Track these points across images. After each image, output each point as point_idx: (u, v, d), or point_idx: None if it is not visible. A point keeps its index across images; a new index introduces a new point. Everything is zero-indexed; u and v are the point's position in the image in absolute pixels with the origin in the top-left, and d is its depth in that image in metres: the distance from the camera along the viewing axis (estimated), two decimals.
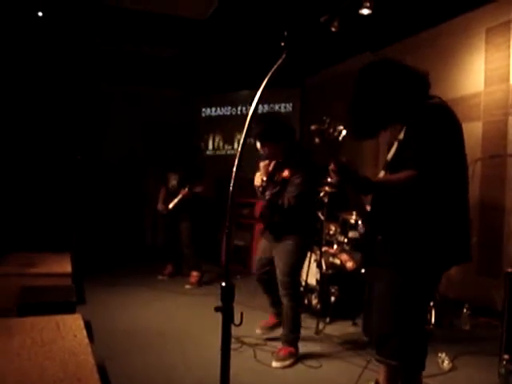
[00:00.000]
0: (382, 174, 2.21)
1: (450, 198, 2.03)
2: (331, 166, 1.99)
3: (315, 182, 3.69)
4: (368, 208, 2.24)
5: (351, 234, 4.69)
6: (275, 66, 1.40)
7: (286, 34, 1.41)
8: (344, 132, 2.00)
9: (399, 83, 2.10)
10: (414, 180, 1.93)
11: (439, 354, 3.43)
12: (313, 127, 1.98)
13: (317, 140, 1.99)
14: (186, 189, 5.76)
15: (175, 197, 5.85)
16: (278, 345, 3.66)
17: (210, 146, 8.63)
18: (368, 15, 4.68)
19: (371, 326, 2.28)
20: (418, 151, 1.95)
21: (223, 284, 1.35)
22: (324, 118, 2.00)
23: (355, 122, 2.18)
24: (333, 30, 4.96)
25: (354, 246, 4.66)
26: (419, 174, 1.93)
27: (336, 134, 1.98)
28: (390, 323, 2.10)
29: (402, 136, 2.11)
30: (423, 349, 2.16)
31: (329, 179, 2.12)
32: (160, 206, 6.02)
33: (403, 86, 2.10)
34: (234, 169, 1.44)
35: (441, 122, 2.01)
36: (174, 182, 5.97)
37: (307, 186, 3.50)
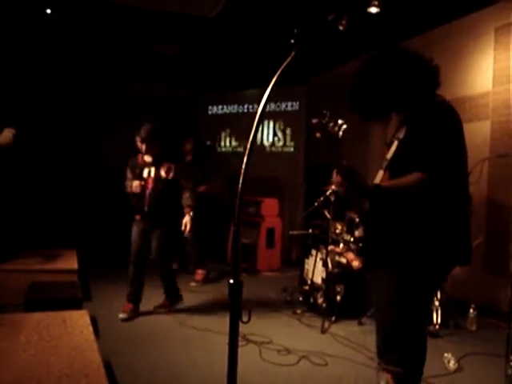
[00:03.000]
0: (380, 173, 2.12)
1: (453, 199, 1.96)
2: (335, 177, 1.90)
3: None
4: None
5: (357, 233, 4.67)
6: (284, 64, 1.39)
7: (295, 31, 1.39)
8: (344, 126, 1.92)
9: (409, 71, 2.02)
10: (424, 183, 1.85)
11: (445, 355, 3.41)
12: (314, 121, 1.90)
13: (318, 134, 1.90)
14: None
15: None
16: (284, 343, 3.67)
17: (217, 144, 8.64)
18: (376, 14, 4.67)
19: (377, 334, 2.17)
20: (426, 153, 1.87)
21: (231, 281, 1.35)
22: (324, 111, 1.92)
23: (357, 100, 2.11)
24: (341, 28, 4.97)
25: (357, 251, 4.66)
26: (429, 176, 1.84)
27: (336, 128, 1.90)
28: (396, 329, 2.03)
29: (402, 135, 2.03)
30: (424, 354, 2.09)
31: (333, 186, 2.05)
32: None
33: (412, 75, 2.02)
34: (243, 166, 1.43)
35: (447, 123, 1.93)
36: None
37: None
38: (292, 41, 1.38)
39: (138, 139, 4.43)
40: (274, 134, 8.17)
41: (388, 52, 2.09)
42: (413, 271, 1.98)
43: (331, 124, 1.88)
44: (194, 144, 6.09)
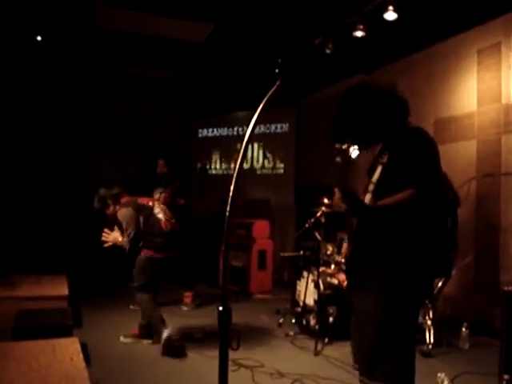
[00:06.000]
0: (367, 197, 2.21)
1: (438, 215, 2.08)
2: (337, 195, 2.01)
3: None
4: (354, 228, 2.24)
5: (343, 250, 4.70)
6: (270, 92, 1.41)
7: (280, 60, 1.43)
8: (357, 152, 2.08)
9: (381, 106, 2.16)
10: (415, 199, 1.96)
11: (438, 374, 3.39)
12: (337, 146, 2.06)
13: (338, 159, 2.06)
14: (157, 195, 5.65)
15: None
16: (277, 366, 3.64)
17: (208, 166, 8.67)
18: (362, 37, 4.76)
19: (359, 351, 2.21)
20: (413, 170, 2.00)
21: (220, 308, 1.34)
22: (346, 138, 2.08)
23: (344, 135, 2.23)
24: (327, 51, 5.07)
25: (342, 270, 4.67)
26: (419, 192, 1.96)
27: (351, 153, 2.05)
28: (382, 345, 2.05)
29: (385, 159, 2.16)
30: (413, 370, 2.12)
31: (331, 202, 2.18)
32: None
33: (384, 108, 2.16)
34: (231, 189, 1.43)
35: (427, 143, 2.11)
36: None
37: None
38: (276, 70, 1.41)
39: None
40: (264, 156, 8.22)
41: (363, 89, 2.25)
42: (400, 289, 2.05)
43: (349, 150, 2.09)
44: (167, 164, 6.03)
